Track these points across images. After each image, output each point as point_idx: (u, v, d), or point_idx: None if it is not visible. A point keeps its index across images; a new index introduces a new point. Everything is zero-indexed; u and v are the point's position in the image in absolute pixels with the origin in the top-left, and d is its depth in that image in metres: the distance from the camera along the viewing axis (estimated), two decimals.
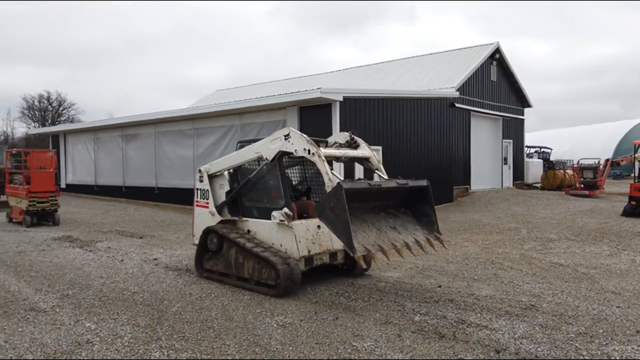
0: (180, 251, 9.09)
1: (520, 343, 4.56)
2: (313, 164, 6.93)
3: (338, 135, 7.14)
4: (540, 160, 27.45)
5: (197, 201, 7.51)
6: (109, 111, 79.98)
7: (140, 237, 10.75)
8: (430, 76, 22.92)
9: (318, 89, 13.27)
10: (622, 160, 21.45)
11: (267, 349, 4.46)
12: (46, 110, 53.10)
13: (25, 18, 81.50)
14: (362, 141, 7.00)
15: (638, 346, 4.49)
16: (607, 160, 22.07)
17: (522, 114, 25.79)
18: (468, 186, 20.61)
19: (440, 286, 6.55)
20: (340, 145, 6.85)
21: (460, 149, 20.28)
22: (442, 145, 18.65)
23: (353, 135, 7.01)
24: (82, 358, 4.25)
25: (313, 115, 13.96)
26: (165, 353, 4.36)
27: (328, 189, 5.58)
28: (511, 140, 24.57)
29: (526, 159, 26.50)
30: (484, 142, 22.51)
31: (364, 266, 7.03)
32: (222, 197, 7.20)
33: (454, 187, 19.08)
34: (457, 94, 19.96)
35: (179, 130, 17.96)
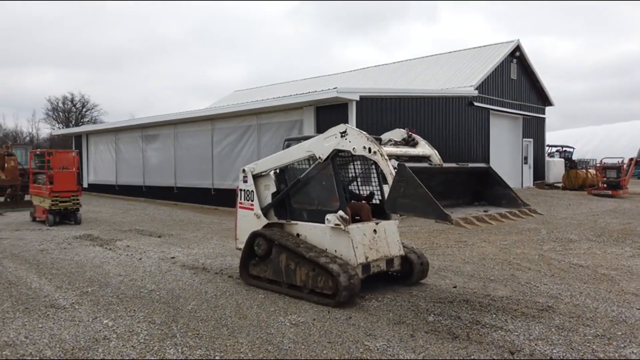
0: (197, 250, 9.21)
1: (536, 344, 4.49)
2: (364, 162, 6.67)
3: (393, 133, 6.59)
4: (562, 160, 26.94)
5: (240, 203, 7.01)
6: (130, 112, 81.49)
7: (159, 236, 10.92)
8: (449, 75, 22.70)
9: (334, 88, 13.30)
10: None
11: (280, 347, 4.49)
12: (70, 111, 54.35)
13: (52, 22, 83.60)
14: (421, 138, 6.47)
15: None
16: (631, 159, 21.54)
17: (543, 113, 25.35)
18: None
19: (455, 287, 6.49)
20: (397, 143, 6.35)
21: (479, 148, 20.04)
22: (460, 144, 18.48)
23: (411, 132, 6.50)
24: (98, 354, 4.35)
25: (329, 115, 13.98)
26: (179, 350, 4.42)
27: None
28: (532, 139, 24.18)
29: (547, 158, 26.06)
30: (504, 141, 22.20)
31: (418, 273, 6.50)
32: (268, 199, 6.74)
33: None
34: (475, 93, 19.74)
35: (197, 130, 18.19)
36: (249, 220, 6.82)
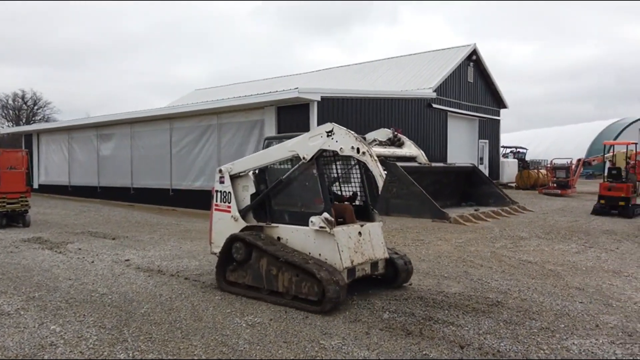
0: (153, 252, 9.00)
1: (484, 338, 4.65)
2: (346, 162, 6.49)
3: (378, 132, 6.40)
4: (516, 160, 27.96)
5: (216, 205, 6.65)
6: (86, 111, 78.61)
7: (113, 239, 10.60)
8: (409, 77, 23.16)
9: (295, 89, 13.30)
10: (593, 160, 22.00)
11: (235, 348, 4.45)
12: (20, 109, 51.90)
13: (10, 17, 79.59)
14: (407, 138, 6.32)
15: (596, 340, 4.63)
16: (579, 160, 22.59)
17: (498, 115, 26.24)
18: None
19: (411, 284, 6.62)
20: (382, 143, 6.19)
21: (438, 148, 20.52)
22: (420, 145, 18.79)
23: (396, 132, 6.33)
24: None
25: (291, 115, 13.98)
26: (130, 354, 4.31)
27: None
28: (487, 141, 24.98)
29: (502, 159, 26.97)
30: (461, 142, 22.83)
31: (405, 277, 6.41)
32: (247, 200, 6.42)
33: None
34: (434, 95, 20.21)
35: (155, 129, 17.76)
36: (226, 223, 6.48)
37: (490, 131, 25.26)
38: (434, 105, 20.19)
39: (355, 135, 5.34)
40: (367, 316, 5.30)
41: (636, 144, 17.89)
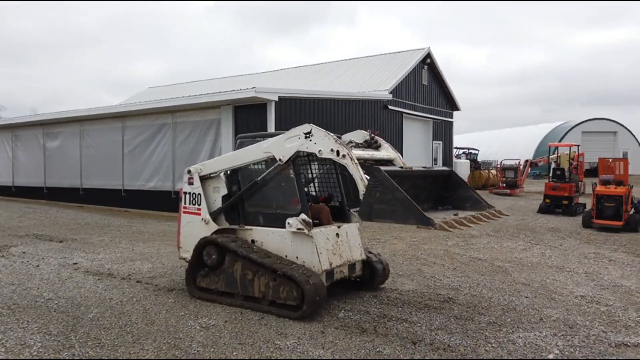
0: (103, 255, 8.69)
1: (436, 334, 4.78)
2: (322, 163, 6.35)
3: (354, 134, 6.25)
4: (468, 161, 28.90)
5: (184, 207, 6.35)
6: (32, 108, 74.91)
7: (60, 241, 10.15)
8: (366, 78, 23.47)
9: (252, 88, 13.18)
10: (539, 161, 23.06)
11: (188, 351, 4.37)
12: None
13: None
14: (384, 141, 6.22)
15: (540, 332, 4.86)
16: (526, 161, 23.62)
17: (452, 117, 27.01)
18: None
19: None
20: (358, 145, 6.09)
21: None
22: None
23: (373, 134, 6.21)
24: None
25: (248, 115, 13.85)
26: None
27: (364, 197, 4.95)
28: (441, 142, 25.67)
29: (455, 160, 27.81)
30: (416, 144, 23.36)
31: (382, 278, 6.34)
32: (218, 202, 6.20)
33: None
34: (390, 97, 20.57)
35: (106, 128, 17.13)
36: (195, 226, 6.22)
37: (443, 133, 25.98)
38: (390, 107, 20.55)
39: (335, 137, 5.22)
40: (322, 315, 5.33)
41: (578, 145, 18.87)
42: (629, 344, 4.60)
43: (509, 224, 12.71)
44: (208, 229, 6.12)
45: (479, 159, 33.05)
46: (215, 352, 4.35)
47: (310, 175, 6.63)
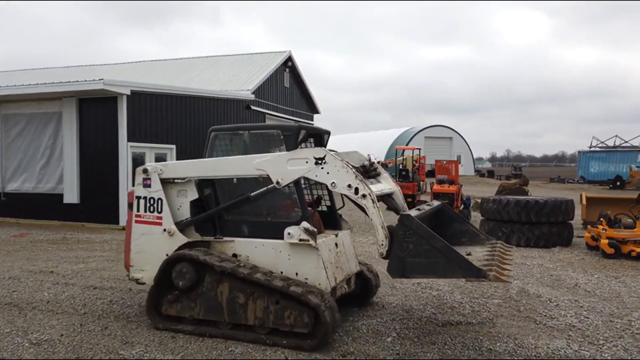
0: None
1: None
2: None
3: (348, 155, 5.34)
4: None
5: (137, 215, 5.17)
6: None
7: None
8: (228, 77, 23.21)
9: (100, 79, 12.13)
10: (389, 163, 25.20)
11: None
12: None
13: None
14: (381, 167, 5.49)
15: (381, 318, 5.32)
16: (378, 162, 25.64)
17: (312, 119, 28.10)
18: None
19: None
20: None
21: None
22: None
23: (373, 161, 5.45)
24: None
25: (95, 109, 12.72)
26: None
27: (382, 247, 4.27)
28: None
29: None
30: None
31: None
32: (185, 209, 5.08)
33: None
34: (252, 97, 20.62)
35: None
36: (154, 239, 5.07)
37: None
38: (253, 107, 20.62)
39: (355, 171, 4.43)
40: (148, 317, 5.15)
41: (419, 149, 21.06)
42: (452, 322, 5.27)
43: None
44: (172, 242, 5.00)
45: None
46: None
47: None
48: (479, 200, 12.43)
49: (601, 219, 9.15)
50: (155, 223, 5.10)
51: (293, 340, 4.39)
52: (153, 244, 5.08)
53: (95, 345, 4.45)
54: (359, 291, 5.55)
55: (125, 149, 12.40)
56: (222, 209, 5.01)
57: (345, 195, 4.50)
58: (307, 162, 4.54)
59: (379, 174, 5.37)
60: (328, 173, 4.44)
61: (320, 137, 5.68)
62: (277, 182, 4.63)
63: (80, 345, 4.43)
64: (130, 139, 12.56)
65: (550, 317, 5.37)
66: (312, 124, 27.98)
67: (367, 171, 5.24)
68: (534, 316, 5.37)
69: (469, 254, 4.55)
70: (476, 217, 13.20)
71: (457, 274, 3.91)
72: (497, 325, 5.12)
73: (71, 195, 12.70)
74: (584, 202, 12.20)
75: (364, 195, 4.31)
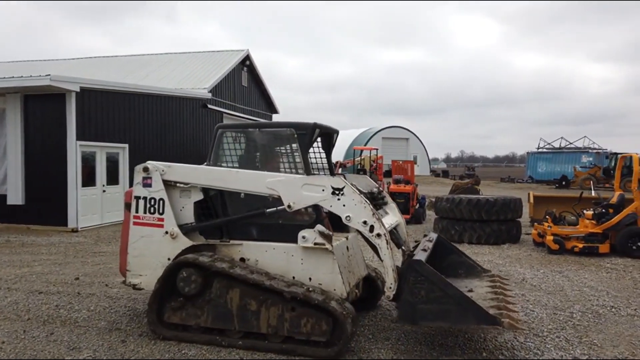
0: None
1: None
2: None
3: (357, 179, 5.16)
4: None
5: (135, 217, 4.84)
6: None
7: None
8: (184, 75, 22.73)
9: (47, 75, 11.58)
10: (347, 163, 25.41)
11: None
12: None
13: None
14: (390, 198, 5.28)
15: None
16: (337, 162, 25.82)
17: (271, 119, 27.95)
18: None
19: None
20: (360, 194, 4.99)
21: None
22: (196, 145, 18.66)
23: (382, 190, 5.26)
24: None
25: (42, 107, 12.17)
26: None
27: (390, 290, 4.14)
28: None
29: None
30: None
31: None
32: (188, 211, 4.81)
33: None
34: (209, 95, 20.29)
35: None
36: (154, 242, 4.77)
37: None
38: (210, 106, 20.28)
39: (372, 208, 4.25)
40: (125, 324, 5.00)
41: (377, 149, 21.37)
42: None
43: None
44: (175, 245, 4.71)
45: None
46: None
47: (290, 162, 5.18)
48: (434, 199, 12.74)
49: (547, 216, 9.60)
50: (156, 225, 4.79)
51: (310, 348, 4.22)
52: (153, 248, 4.78)
53: (40, 351, 4.26)
54: (366, 295, 5.35)
55: (74, 148, 11.93)
56: (229, 222, 4.76)
57: (358, 231, 4.37)
58: (323, 189, 4.32)
59: (386, 203, 5.23)
60: (344, 205, 4.25)
61: (329, 137, 5.44)
62: (289, 206, 4.39)
63: (23, 352, 4.23)
64: (80, 137, 12.10)
65: None
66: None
67: (375, 199, 5.08)
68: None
69: (470, 290, 4.53)
70: (430, 216, 13.55)
71: (471, 321, 3.85)
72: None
73: (15, 196, 12.10)
74: (532, 200, 12.74)
75: (378, 235, 4.18)
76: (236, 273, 4.34)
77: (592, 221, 9.06)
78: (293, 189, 4.39)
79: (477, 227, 10.19)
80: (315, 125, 4.79)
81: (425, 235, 5.39)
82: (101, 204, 12.91)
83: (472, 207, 10.18)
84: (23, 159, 12.14)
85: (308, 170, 4.65)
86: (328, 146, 5.43)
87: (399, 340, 4.62)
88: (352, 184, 4.37)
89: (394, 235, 4.97)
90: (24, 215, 12.09)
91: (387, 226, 4.56)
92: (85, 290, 6.24)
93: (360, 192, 4.87)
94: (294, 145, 4.84)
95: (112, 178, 13.46)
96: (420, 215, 13.86)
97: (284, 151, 5.20)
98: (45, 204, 12.01)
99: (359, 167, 19.31)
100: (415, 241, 4.95)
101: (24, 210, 12.11)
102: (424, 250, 4.62)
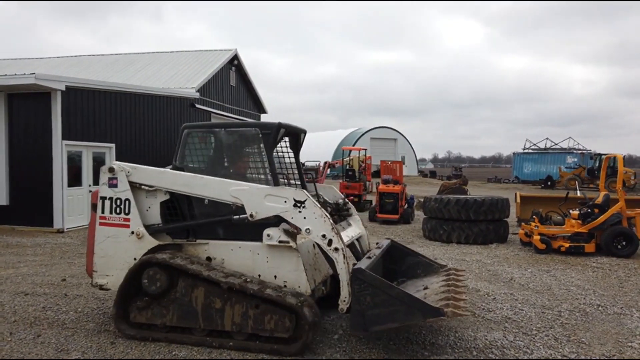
0: None
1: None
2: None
3: (324, 189, 5.21)
4: None
5: (102, 217, 4.81)
6: None
7: None
8: (171, 74, 22.54)
9: (32, 74, 11.41)
10: (336, 163, 25.43)
11: None
12: None
13: None
14: (354, 209, 5.29)
15: (328, 316, 5.37)
16: (325, 162, 25.83)
17: (259, 119, 27.85)
18: None
19: None
20: (325, 204, 5.08)
21: None
22: None
23: (347, 201, 5.24)
24: None
25: (27, 105, 11.97)
26: None
27: (344, 303, 4.18)
28: None
29: None
30: None
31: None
32: (154, 211, 4.78)
33: None
34: (197, 95, 20.16)
35: None
36: (120, 242, 4.75)
37: None
38: (197, 106, 20.14)
39: (332, 222, 4.29)
40: (114, 325, 4.93)
41: (366, 149, 21.42)
42: None
43: None
44: (141, 245, 4.70)
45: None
46: None
47: (260, 162, 5.11)
48: (422, 200, 12.82)
49: (534, 216, 9.71)
50: (122, 225, 4.78)
51: (274, 345, 4.27)
52: (119, 248, 4.77)
53: (27, 354, 4.19)
54: (333, 292, 5.23)
55: (60, 148, 11.77)
56: (197, 224, 4.77)
57: (317, 244, 4.42)
58: (285, 201, 4.34)
59: (350, 215, 5.28)
60: (305, 218, 4.28)
61: (297, 137, 5.48)
62: (251, 215, 4.41)
63: (10, 355, 4.16)
64: (66, 137, 11.94)
65: (488, 310, 5.63)
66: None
67: (340, 210, 5.13)
68: (473, 310, 5.60)
69: (426, 288, 4.61)
70: (419, 216, 13.62)
71: (419, 317, 3.91)
72: (439, 319, 5.29)
73: (0, 196, 11.90)
74: (518, 200, 12.88)
75: (336, 249, 4.22)
76: (200, 272, 4.37)
77: (578, 221, 9.19)
78: (256, 199, 4.41)
79: (465, 227, 10.27)
80: (280, 125, 4.81)
81: (377, 243, 5.43)
82: (87, 204, 12.73)
83: (460, 207, 10.26)
84: (7, 158, 11.95)
85: (275, 178, 4.72)
86: (296, 145, 5.48)
87: (390, 339, 4.63)
88: (316, 195, 4.42)
89: (355, 247, 5.11)
90: (9, 215, 11.89)
91: (348, 238, 4.68)
92: (73, 292, 6.15)
93: (325, 203, 5.02)
94: (260, 145, 4.87)
95: (99, 178, 13.30)
96: (409, 215, 13.91)
97: (250, 151, 5.20)
98: (30, 204, 11.83)
99: (347, 168, 19.32)
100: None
101: (9, 211, 11.91)
102: (369, 257, 4.65)
